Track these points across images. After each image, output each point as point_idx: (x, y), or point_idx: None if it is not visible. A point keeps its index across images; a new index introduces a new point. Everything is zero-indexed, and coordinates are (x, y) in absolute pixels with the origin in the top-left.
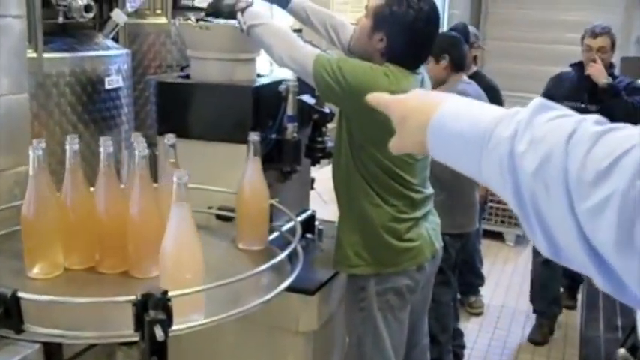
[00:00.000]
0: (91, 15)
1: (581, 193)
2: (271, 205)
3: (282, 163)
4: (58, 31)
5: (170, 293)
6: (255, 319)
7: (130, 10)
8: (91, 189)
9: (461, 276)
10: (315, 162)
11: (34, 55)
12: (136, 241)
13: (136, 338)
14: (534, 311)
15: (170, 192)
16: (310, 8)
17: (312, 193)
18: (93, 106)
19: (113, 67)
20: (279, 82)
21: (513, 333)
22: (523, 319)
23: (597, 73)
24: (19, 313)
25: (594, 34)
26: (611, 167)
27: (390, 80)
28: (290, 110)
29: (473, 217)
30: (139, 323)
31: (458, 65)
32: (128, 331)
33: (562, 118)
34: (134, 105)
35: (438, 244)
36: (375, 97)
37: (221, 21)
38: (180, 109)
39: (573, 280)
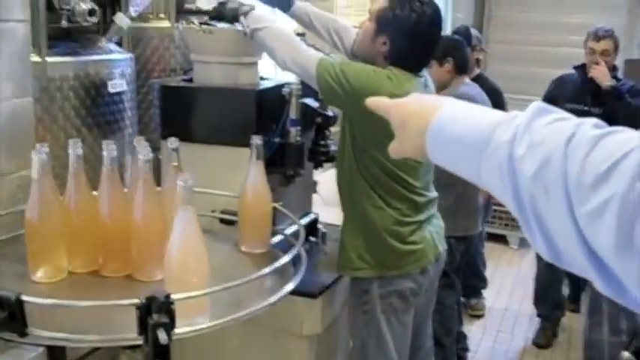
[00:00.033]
0: (94, 19)
1: (581, 197)
2: (275, 209)
3: (285, 166)
4: (62, 35)
5: (173, 297)
6: (259, 323)
7: (133, 14)
8: (94, 193)
9: (464, 279)
10: (318, 165)
11: (38, 59)
12: (140, 244)
13: (140, 342)
14: (538, 315)
15: (173, 195)
16: (313, 12)
17: (315, 196)
18: (96, 110)
19: (117, 71)
20: (282, 86)
21: (517, 336)
22: (527, 323)
23: (601, 75)
24: (23, 316)
25: (597, 37)
26: (611, 170)
27: (393, 83)
28: (293, 114)
29: (477, 220)
30: (143, 327)
31: (461, 68)
32: (131, 335)
33: (561, 122)
34: (137, 109)
35: (442, 248)
36: (375, 102)
37: (224, 25)
38: (183, 112)
39: (576, 283)
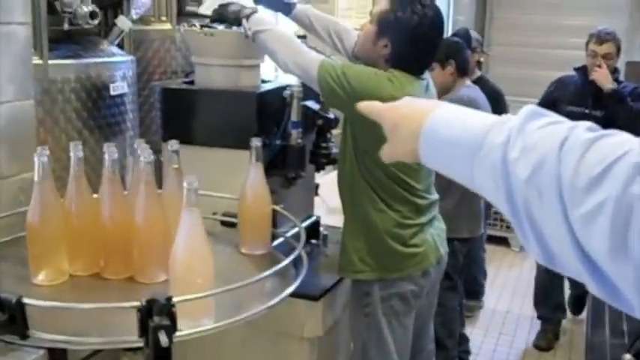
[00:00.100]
0: (96, 22)
1: (575, 200)
2: (276, 211)
3: (286, 168)
4: (64, 37)
5: (175, 299)
6: (260, 325)
7: (134, 16)
8: (95, 195)
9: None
10: (319, 168)
11: (40, 61)
12: (142, 246)
13: (141, 344)
14: (538, 317)
15: (174, 197)
16: (314, 15)
17: (316, 198)
18: (98, 112)
19: (118, 73)
20: (283, 88)
21: (518, 338)
22: (528, 325)
23: (602, 78)
24: (24, 318)
25: (600, 40)
26: (604, 173)
27: (395, 86)
28: (294, 116)
29: (480, 221)
30: (144, 329)
31: (462, 71)
32: (133, 337)
33: (554, 125)
34: (139, 111)
35: (443, 250)
36: (367, 106)
37: (226, 27)
38: (184, 115)
39: (581, 288)
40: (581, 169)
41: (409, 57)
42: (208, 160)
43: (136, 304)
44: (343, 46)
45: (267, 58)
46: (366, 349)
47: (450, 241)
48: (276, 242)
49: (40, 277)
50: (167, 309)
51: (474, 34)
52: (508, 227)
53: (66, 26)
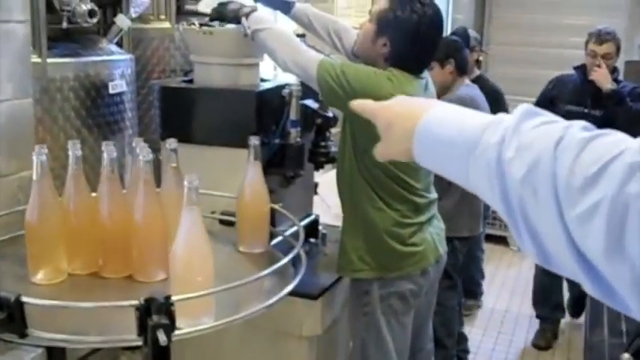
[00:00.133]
0: (94, 20)
1: (570, 200)
2: (275, 210)
3: (285, 167)
4: (62, 36)
5: (173, 298)
6: (259, 324)
7: (133, 15)
8: (94, 194)
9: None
10: (318, 166)
11: (38, 60)
12: (141, 245)
13: (139, 343)
14: (537, 316)
15: (172, 196)
16: (313, 13)
17: (315, 197)
18: (97, 110)
19: (117, 71)
20: (282, 87)
21: (517, 337)
22: (527, 324)
23: (602, 78)
24: (23, 317)
25: (600, 40)
26: (600, 173)
27: (394, 85)
28: (293, 115)
29: (480, 220)
30: (142, 328)
31: (462, 69)
32: (131, 336)
33: (549, 125)
34: (138, 110)
35: (442, 249)
36: (360, 104)
37: (225, 26)
38: (183, 113)
39: (577, 288)
40: (576, 168)
41: (408, 56)
42: (207, 158)
43: (135, 302)
44: (342, 45)
45: (266, 56)
46: (364, 348)
47: (450, 240)
48: (275, 241)
49: (39, 276)
50: (166, 308)
51: (472, 32)
52: (507, 226)
53: (65, 24)
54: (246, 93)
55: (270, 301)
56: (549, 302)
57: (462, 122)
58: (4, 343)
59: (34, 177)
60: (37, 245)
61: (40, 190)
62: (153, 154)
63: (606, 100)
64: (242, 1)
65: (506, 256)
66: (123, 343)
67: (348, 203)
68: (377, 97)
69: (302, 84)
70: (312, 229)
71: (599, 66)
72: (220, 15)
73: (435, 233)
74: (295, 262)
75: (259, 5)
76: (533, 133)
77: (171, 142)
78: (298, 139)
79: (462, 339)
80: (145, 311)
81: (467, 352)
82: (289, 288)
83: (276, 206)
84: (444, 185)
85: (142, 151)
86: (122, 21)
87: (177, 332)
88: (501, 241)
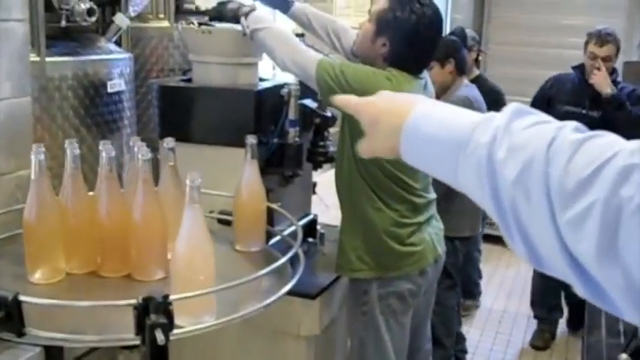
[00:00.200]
0: (93, 19)
1: (563, 203)
2: (273, 210)
3: (283, 167)
4: (61, 34)
5: (171, 297)
6: (257, 324)
7: (132, 14)
8: (92, 193)
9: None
10: (317, 166)
11: (37, 58)
12: (139, 244)
13: (137, 342)
14: (535, 317)
15: (170, 195)
16: (312, 13)
17: (314, 197)
18: (95, 109)
19: (116, 70)
20: (281, 86)
21: (515, 337)
22: (525, 324)
23: (601, 82)
24: (20, 316)
25: (601, 42)
26: (593, 176)
27: (393, 84)
28: (292, 114)
29: (480, 219)
30: (140, 327)
31: (461, 69)
32: (129, 335)
33: (541, 125)
34: (136, 109)
35: (441, 249)
36: (343, 99)
37: (224, 25)
38: (182, 113)
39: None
40: (569, 170)
41: (407, 56)
42: (206, 158)
43: (133, 302)
44: (341, 45)
45: (265, 56)
46: (363, 347)
47: (451, 239)
48: (273, 240)
49: (37, 275)
50: (164, 307)
51: (469, 32)
52: None
53: (63, 23)
54: (244, 92)
55: (269, 301)
56: (547, 303)
57: (450, 120)
58: (1, 342)
59: (33, 176)
60: (35, 244)
61: (38, 189)
62: (151, 153)
63: (606, 104)
64: (241, 0)
65: (505, 257)
66: (121, 343)
67: (347, 203)
68: None
69: (301, 83)
70: (311, 228)
71: (598, 68)
72: (219, 14)
73: (433, 233)
74: (293, 261)
75: (258, 4)
76: (525, 133)
77: (169, 141)
78: (297, 139)
79: (460, 339)
80: (143, 310)
81: (465, 352)
82: (287, 287)
83: (274, 206)
84: (443, 185)
85: (141, 150)
86: (121, 20)
87: (175, 331)
88: (499, 241)
